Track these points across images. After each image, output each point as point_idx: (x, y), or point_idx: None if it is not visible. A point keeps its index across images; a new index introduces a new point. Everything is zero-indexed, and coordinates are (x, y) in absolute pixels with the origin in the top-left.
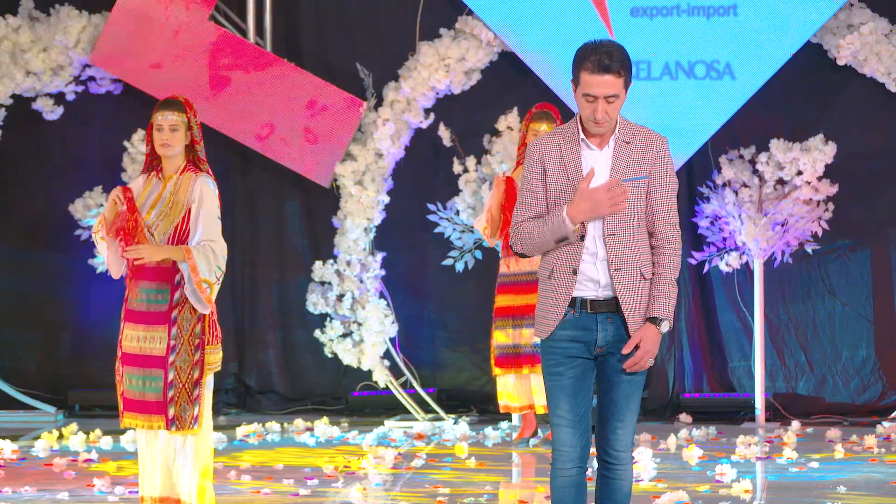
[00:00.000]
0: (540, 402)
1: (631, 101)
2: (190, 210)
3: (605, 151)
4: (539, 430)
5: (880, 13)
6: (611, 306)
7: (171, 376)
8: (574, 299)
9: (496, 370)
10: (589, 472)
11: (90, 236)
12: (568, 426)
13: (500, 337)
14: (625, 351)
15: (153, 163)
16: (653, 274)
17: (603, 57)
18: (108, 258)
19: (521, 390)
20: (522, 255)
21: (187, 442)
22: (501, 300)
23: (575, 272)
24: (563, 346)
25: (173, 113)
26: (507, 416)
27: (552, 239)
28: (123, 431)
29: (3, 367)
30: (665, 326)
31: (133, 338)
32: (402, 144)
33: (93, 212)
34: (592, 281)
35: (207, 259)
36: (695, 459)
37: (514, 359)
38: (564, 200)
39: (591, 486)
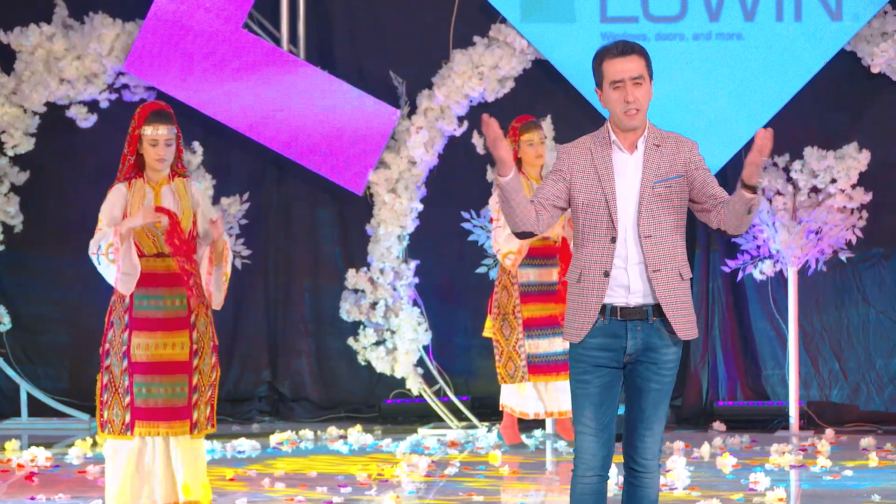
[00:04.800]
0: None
1: (666, 108)
2: (195, 214)
3: (635, 154)
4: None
5: None
6: (641, 314)
7: (195, 380)
8: (604, 306)
9: (532, 378)
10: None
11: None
12: (591, 434)
13: (532, 347)
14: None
15: (132, 169)
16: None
17: (620, 43)
18: (119, 275)
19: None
20: (520, 235)
21: (200, 444)
22: (526, 310)
23: (606, 275)
24: (593, 354)
25: (166, 127)
26: (541, 424)
27: (501, 196)
28: None
29: (36, 374)
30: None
31: (148, 346)
32: (435, 152)
33: None
34: (623, 287)
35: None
36: (729, 468)
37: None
38: (596, 204)
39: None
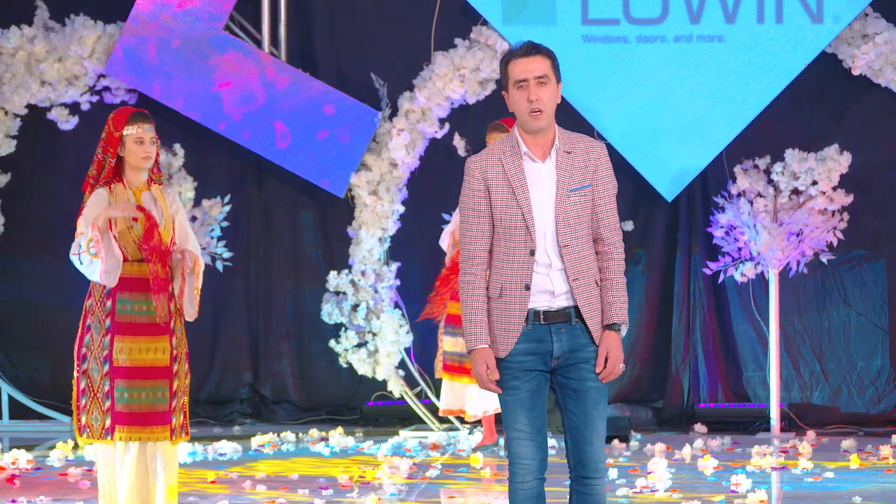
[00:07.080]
0: (470, 411)
1: (647, 110)
2: (173, 222)
3: (547, 163)
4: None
5: (895, 23)
6: (564, 316)
7: (175, 386)
8: (528, 311)
9: (444, 375)
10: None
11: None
12: (527, 439)
13: (450, 344)
14: (597, 369)
15: (109, 174)
16: (602, 280)
17: (526, 44)
18: (103, 266)
19: (457, 396)
20: None
21: (174, 450)
22: (453, 307)
23: (527, 288)
24: (519, 359)
25: (150, 125)
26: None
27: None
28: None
29: (18, 376)
30: (624, 330)
31: (131, 350)
32: (416, 154)
33: None
34: (546, 292)
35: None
36: (710, 470)
37: (461, 366)
38: (511, 215)
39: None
